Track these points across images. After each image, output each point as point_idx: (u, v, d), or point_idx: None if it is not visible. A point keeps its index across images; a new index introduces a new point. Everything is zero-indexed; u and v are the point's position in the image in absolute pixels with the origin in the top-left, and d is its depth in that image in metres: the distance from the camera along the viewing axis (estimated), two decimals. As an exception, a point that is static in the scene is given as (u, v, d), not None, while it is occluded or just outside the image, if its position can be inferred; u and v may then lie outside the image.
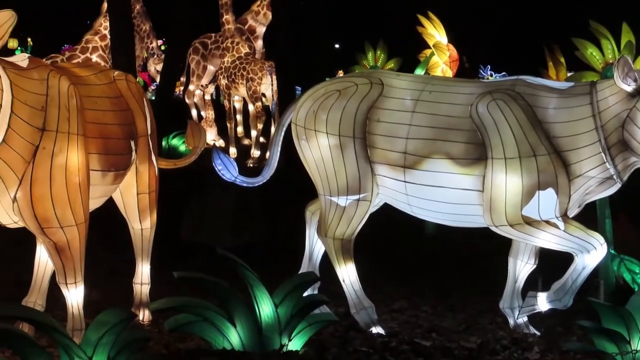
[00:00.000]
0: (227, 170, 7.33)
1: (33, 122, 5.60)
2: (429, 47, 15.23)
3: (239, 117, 16.87)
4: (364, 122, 6.84)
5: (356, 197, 6.91)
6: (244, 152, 15.88)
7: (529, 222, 6.59)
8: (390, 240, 10.37)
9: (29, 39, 33.71)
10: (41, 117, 5.65)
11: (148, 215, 7.28)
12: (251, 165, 14.96)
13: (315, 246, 7.52)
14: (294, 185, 8.74)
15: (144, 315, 7.29)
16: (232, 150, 15.66)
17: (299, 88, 15.23)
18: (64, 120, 5.75)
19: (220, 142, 16.49)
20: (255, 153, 15.50)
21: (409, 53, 16.14)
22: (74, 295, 6.04)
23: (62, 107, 5.77)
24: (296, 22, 15.35)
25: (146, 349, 5.91)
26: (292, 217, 8.81)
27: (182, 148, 14.35)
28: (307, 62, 14.71)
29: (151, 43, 17.53)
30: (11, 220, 5.87)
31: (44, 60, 6.75)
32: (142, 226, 7.31)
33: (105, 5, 15.92)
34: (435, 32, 15.08)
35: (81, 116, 5.94)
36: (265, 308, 6.08)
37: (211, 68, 17.13)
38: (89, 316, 6.17)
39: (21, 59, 5.77)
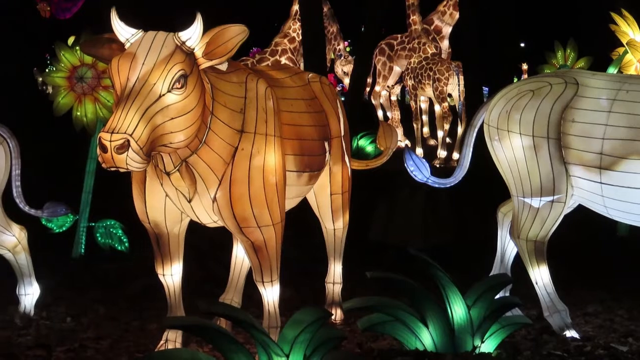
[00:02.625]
0: (419, 171, 7.32)
1: (232, 124, 5.73)
2: (622, 45, 14.77)
3: (425, 118, 16.79)
4: (558, 122, 6.70)
5: (550, 198, 6.78)
6: (430, 153, 15.82)
7: None
8: (584, 241, 10.12)
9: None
10: (240, 119, 5.78)
11: (341, 216, 7.37)
12: (438, 165, 14.89)
13: (507, 248, 7.42)
14: (485, 186, 8.67)
15: (337, 314, 7.37)
16: (419, 151, 15.61)
17: (486, 88, 15.05)
18: (261, 122, 5.88)
19: (406, 143, 16.48)
20: (442, 154, 15.41)
21: (599, 51, 15.69)
22: (270, 294, 6.15)
23: (260, 109, 5.90)
24: (482, 21, 15.18)
25: (340, 348, 5.96)
26: (482, 218, 8.73)
27: (369, 148, 14.40)
28: (493, 61, 14.50)
29: (338, 45, 17.70)
30: (211, 219, 6.04)
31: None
32: (334, 226, 7.40)
33: (294, 8, 16.19)
34: (629, 30, 14.61)
35: (278, 118, 6.05)
36: (458, 309, 6.05)
37: (397, 69, 17.13)
38: (282, 314, 6.30)
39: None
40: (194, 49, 5.36)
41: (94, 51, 5.64)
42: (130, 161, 4.99)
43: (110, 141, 4.92)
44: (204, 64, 5.42)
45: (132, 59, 5.22)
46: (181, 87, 5.21)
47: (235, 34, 5.37)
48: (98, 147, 5.00)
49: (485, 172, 7.57)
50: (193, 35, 5.32)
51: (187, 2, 8.38)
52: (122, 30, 5.42)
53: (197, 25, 5.30)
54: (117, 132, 4.94)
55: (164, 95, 5.16)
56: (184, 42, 5.32)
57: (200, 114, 5.41)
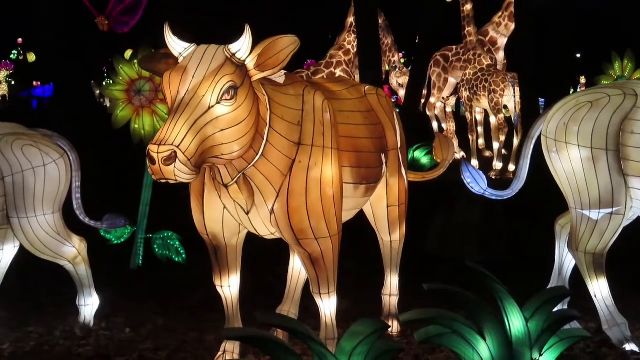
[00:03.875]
0: (476, 183, 7.30)
1: (290, 136, 5.77)
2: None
3: (480, 130, 16.75)
4: (617, 134, 6.64)
5: (609, 210, 6.72)
6: (485, 165, 15.76)
7: None
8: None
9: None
10: (297, 132, 5.81)
11: (397, 228, 7.36)
12: (493, 177, 14.83)
13: (565, 260, 7.37)
14: (542, 199, 8.61)
15: (394, 326, 7.37)
16: (474, 163, 15.57)
17: (542, 100, 14.97)
18: (318, 134, 5.90)
19: (462, 155, 16.44)
20: (497, 165, 15.36)
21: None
22: (327, 305, 6.17)
23: (317, 121, 5.93)
24: (538, 32, 15.10)
25: (397, 360, 5.96)
26: (539, 230, 8.67)
27: (424, 160, 14.39)
28: (549, 72, 14.42)
29: (393, 57, 17.74)
30: (268, 231, 6.07)
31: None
32: (391, 238, 7.40)
33: (349, 20, 16.27)
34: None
35: (335, 130, 6.07)
36: (516, 322, 6.00)
37: (452, 80, 17.13)
38: (339, 325, 6.32)
39: (278, 75, 5.95)
40: (244, 60, 5.40)
41: (151, 66, 5.70)
42: (178, 172, 5.02)
43: (158, 153, 4.96)
44: (256, 75, 5.45)
45: (183, 72, 5.26)
46: (231, 99, 5.23)
47: (286, 44, 5.39)
48: (147, 159, 5.05)
49: (542, 184, 7.52)
50: (242, 47, 5.35)
51: (240, 15, 8.45)
52: (176, 45, 5.48)
53: (246, 37, 5.33)
54: (164, 144, 4.97)
55: (213, 106, 5.18)
56: (234, 54, 5.35)
57: (252, 125, 5.43)
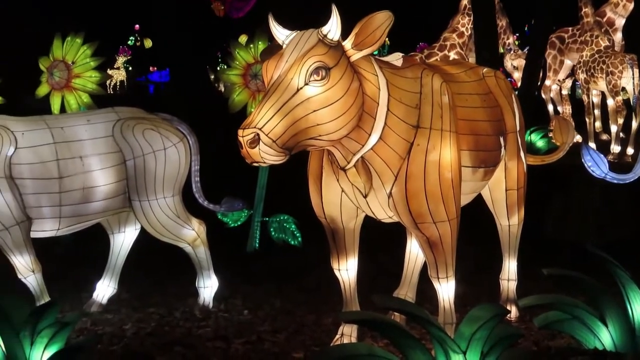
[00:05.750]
0: (597, 166, 7.18)
1: (408, 119, 5.74)
2: None
3: (597, 112, 16.40)
4: None
5: None
6: (602, 148, 15.44)
7: None
8: None
9: (386, 40, 34.73)
10: (415, 115, 5.78)
11: (516, 212, 7.27)
12: (611, 160, 14.52)
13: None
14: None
15: (512, 312, 7.29)
16: (591, 146, 15.26)
17: (661, 81, 14.57)
18: (437, 117, 5.86)
19: (578, 138, 16.14)
20: (615, 149, 15.01)
21: None
22: (446, 290, 6.14)
23: (435, 104, 5.88)
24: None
25: (516, 346, 5.90)
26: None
27: (540, 143, 14.19)
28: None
29: (507, 39, 17.50)
30: (386, 215, 6.06)
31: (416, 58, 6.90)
32: (509, 222, 7.32)
33: (463, 2, 16.11)
34: None
35: (453, 113, 6.02)
36: (639, 308, 5.89)
37: (568, 62, 16.78)
38: (456, 310, 6.27)
39: (395, 58, 5.93)
40: (337, 41, 5.39)
41: (268, 58, 5.75)
42: (264, 154, 5.09)
43: (242, 136, 5.05)
44: (355, 54, 5.43)
45: (279, 58, 5.33)
46: (321, 79, 5.23)
47: (381, 21, 5.35)
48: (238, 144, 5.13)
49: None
50: (332, 27, 5.35)
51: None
52: (279, 33, 5.56)
53: (334, 17, 5.34)
54: (249, 128, 5.05)
55: (301, 88, 5.21)
56: (325, 36, 5.36)
57: (352, 105, 5.40)
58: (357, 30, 5.38)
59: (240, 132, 5.06)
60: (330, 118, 5.29)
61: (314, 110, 5.23)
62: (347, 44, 5.42)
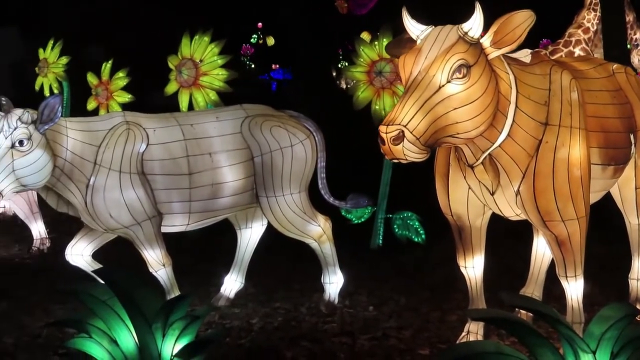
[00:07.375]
0: None
1: (536, 116, 5.69)
2: None
3: None
4: None
5: None
6: None
7: None
8: None
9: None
10: (544, 112, 5.72)
11: (645, 210, 7.13)
12: None
13: None
14: None
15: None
16: None
17: None
18: (566, 114, 5.79)
19: None
20: None
21: None
22: (574, 289, 6.06)
23: (564, 101, 5.81)
24: None
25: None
26: None
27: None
28: None
29: (635, 34, 17.10)
30: (514, 212, 6.02)
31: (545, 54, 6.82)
32: (638, 221, 7.18)
33: (587, -4, 15.84)
34: None
35: (582, 110, 5.93)
36: None
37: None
38: (584, 309, 6.18)
39: (523, 54, 5.87)
40: (477, 39, 5.35)
41: (396, 51, 5.72)
42: (407, 152, 5.07)
43: (386, 133, 5.04)
44: (493, 53, 5.38)
45: (417, 53, 5.30)
46: (463, 77, 5.19)
47: (522, 20, 5.29)
48: (379, 140, 5.12)
49: None
50: (474, 25, 5.31)
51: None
52: (413, 28, 5.52)
53: (477, 15, 5.29)
54: (393, 124, 5.04)
55: (444, 85, 5.18)
56: (466, 33, 5.32)
57: (490, 104, 5.36)
58: (496, 29, 5.32)
59: (383, 128, 5.06)
60: (469, 116, 5.26)
61: (454, 109, 5.21)
62: (485, 41, 5.38)
